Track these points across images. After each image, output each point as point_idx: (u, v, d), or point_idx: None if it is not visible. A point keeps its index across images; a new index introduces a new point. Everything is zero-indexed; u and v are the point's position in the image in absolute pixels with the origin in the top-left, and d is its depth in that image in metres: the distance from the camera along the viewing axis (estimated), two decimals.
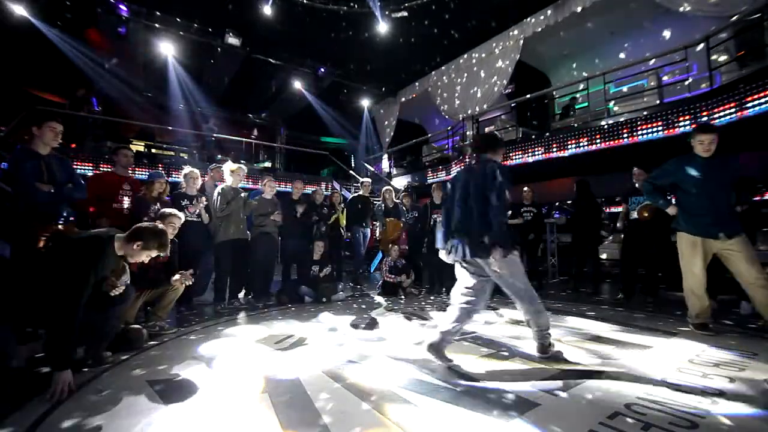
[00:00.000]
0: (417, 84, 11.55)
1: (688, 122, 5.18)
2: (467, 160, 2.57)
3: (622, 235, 4.62)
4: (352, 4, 8.84)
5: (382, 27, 9.10)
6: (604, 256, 6.79)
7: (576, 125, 6.96)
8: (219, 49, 9.92)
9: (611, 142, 5.99)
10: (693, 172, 2.91)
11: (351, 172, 11.61)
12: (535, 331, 2.29)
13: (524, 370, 2.14)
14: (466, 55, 9.87)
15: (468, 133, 9.34)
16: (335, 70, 11.65)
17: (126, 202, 3.76)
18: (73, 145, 8.42)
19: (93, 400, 1.77)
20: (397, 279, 5.00)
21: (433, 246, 5.53)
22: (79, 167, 7.23)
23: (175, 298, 3.21)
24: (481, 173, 2.24)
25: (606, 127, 6.15)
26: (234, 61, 10.42)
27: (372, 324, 3.39)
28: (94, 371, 2.12)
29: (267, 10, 8.55)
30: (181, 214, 3.29)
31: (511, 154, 7.54)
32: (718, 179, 2.88)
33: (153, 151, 11.05)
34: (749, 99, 4.58)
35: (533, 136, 7.61)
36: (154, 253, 2.22)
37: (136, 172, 7.62)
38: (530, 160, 7.15)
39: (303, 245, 4.89)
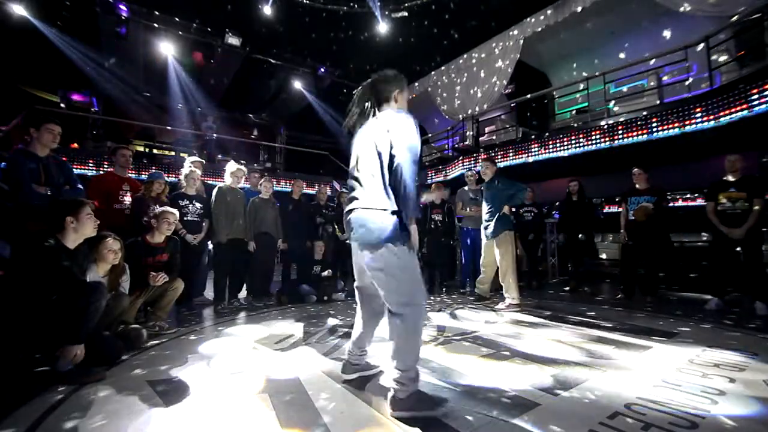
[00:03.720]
0: (417, 84, 11.55)
1: (687, 122, 5.18)
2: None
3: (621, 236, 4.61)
4: (352, 4, 8.85)
5: (382, 27, 9.11)
6: (603, 255, 6.79)
7: (576, 125, 6.97)
8: (219, 49, 9.93)
9: (611, 142, 5.99)
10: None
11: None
12: None
13: (524, 370, 2.14)
14: (465, 55, 9.87)
15: (468, 132, 9.35)
16: (335, 70, 11.66)
17: (126, 203, 3.77)
18: (73, 145, 8.43)
19: (93, 400, 1.77)
20: None
21: (433, 246, 5.58)
22: (77, 168, 7.25)
23: (174, 298, 3.21)
24: None
25: (606, 127, 6.15)
26: (234, 61, 10.43)
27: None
28: (98, 372, 2.11)
29: (267, 10, 8.57)
30: (174, 210, 3.31)
31: (511, 154, 7.55)
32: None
33: (154, 151, 11.06)
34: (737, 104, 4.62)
35: (533, 136, 7.61)
36: (90, 226, 2.31)
37: (141, 174, 7.66)
38: (530, 160, 7.15)
39: (304, 245, 4.89)
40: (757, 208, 3.62)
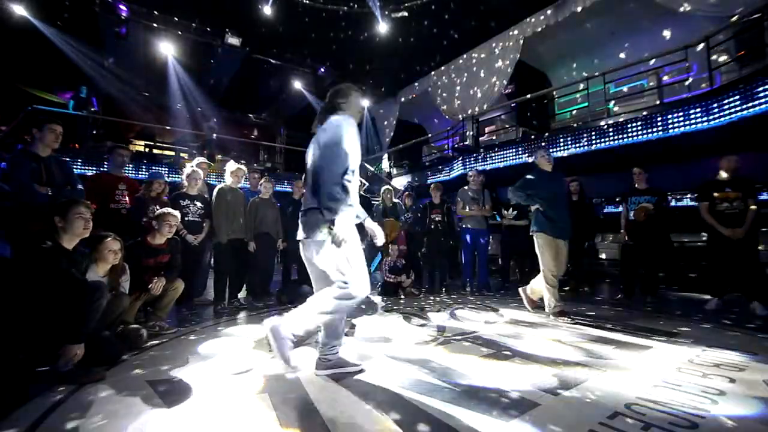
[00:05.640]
0: (417, 84, 11.55)
1: (687, 122, 5.18)
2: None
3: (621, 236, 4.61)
4: (352, 4, 8.84)
5: (382, 27, 9.11)
6: (603, 255, 6.79)
7: (576, 125, 6.97)
8: (219, 49, 9.93)
9: (611, 142, 5.99)
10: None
11: None
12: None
13: (524, 370, 2.14)
14: (465, 55, 9.87)
15: (468, 132, 9.35)
16: (335, 70, 11.65)
17: (122, 202, 3.76)
18: (72, 145, 8.41)
19: (93, 400, 1.77)
20: (397, 279, 5.00)
21: (433, 246, 5.58)
22: (78, 168, 7.24)
23: (174, 298, 3.21)
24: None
25: (606, 127, 6.15)
26: (234, 61, 10.42)
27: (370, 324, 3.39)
28: (98, 372, 2.11)
29: (267, 10, 8.57)
30: (176, 212, 3.30)
31: (511, 154, 7.55)
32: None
33: (154, 151, 11.06)
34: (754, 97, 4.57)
35: (533, 136, 7.61)
36: (79, 226, 2.25)
37: (140, 173, 7.66)
38: (530, 160, 7.15)
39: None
40: (753, 207, 3.63)
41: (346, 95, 2.12)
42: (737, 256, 3.70)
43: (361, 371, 2.05)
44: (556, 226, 3.54)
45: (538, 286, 3.63)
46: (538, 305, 3.74)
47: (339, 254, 1.88)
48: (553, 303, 3.50)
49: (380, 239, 2.17)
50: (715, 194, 3.85)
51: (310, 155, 2.03)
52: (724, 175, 3.88)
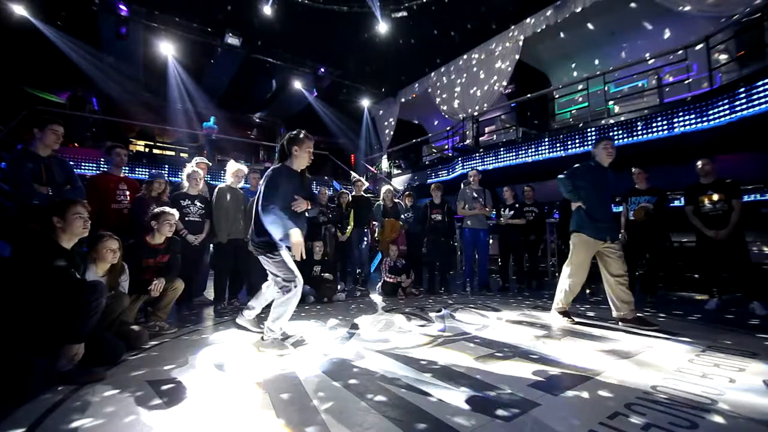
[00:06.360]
0: (417, 84, 11.55)
1: (687, 122, 5.18)
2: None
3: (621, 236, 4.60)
4: (352, 4, 8.85)
5: (382, 27, 9.11)
6: None
7: (575, 124, 6.97)
8: (219, 49, 9.93)
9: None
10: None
11: (351, 172, 11.62)
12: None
13: (524, 370, 2.14)
14: (465, 56, 9.87)
15: (468, 132, 9.35)
16: (335, 70, 11.66)
17: (124, 202, 3.76)
18: (71, 145, 8.41)
19: (93, 400, 1.77)
20: (397, 279, 5.00)
21: (433, 246, 5.58)
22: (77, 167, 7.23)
23: (174, 298, 3.22)
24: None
25: (606, 127, 6.15)
26: (234, 61, 10.42)
27: (372, 324, 3.39)
28: (98, 372, 2.11)
29: (267, 10, 8.57)
30: (174, 211, 3.29)
31: (511, 154, 7.55)
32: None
33: (154, 151, 11.06)
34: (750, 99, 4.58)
35: (533, 136, 7.61)
36: (78, 226, 2.23)
37: (137, 172, 7.66)
38: (530, 160, 7.15)
39: (304, 245, 4.88)
40: (737, 207, 3.69)
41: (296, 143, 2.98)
42: (726, 256, 3.76)
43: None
44: (598, 227, 3.19)
45: (620, 296, 3.23)
46: (633, 320, 3.15)
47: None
48: (561, 304, 3.39)
49: (297, 255, 2.65)
50: (700, 197, 3.94)
51: None
52: (703, 179, 3.96)
